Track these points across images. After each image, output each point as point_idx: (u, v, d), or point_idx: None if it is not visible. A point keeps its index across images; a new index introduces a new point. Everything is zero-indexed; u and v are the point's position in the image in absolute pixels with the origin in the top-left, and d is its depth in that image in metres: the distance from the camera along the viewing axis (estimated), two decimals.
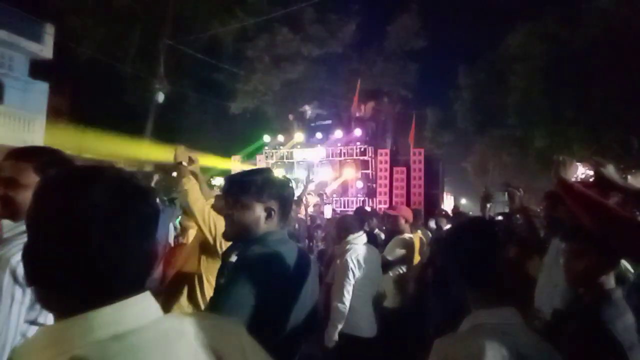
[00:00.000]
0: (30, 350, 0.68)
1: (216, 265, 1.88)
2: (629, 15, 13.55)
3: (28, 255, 0.68)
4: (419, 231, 5.12)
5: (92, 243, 0.66)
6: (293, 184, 1.88)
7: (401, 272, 4.14)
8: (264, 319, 1.44)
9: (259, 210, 1.65)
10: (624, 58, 13.39)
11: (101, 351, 0.62)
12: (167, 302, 2.61)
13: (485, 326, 1.17)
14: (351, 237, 3.51)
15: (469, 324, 1.23)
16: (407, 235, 4.27)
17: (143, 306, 0.70)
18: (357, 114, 15.10)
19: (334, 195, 13.48)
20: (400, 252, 4.13)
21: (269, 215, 1.67)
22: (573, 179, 1.59)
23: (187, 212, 2.74)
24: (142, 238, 0.72)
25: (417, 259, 4.40)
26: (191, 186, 2.57)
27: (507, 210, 4.72)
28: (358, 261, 3.37)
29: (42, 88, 14.90)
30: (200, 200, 2.55)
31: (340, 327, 3.25)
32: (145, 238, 0.73)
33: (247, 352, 0.82)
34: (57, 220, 0.67)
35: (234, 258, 1.69)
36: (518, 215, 3.99)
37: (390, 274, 4.08)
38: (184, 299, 2.60)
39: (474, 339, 1.12)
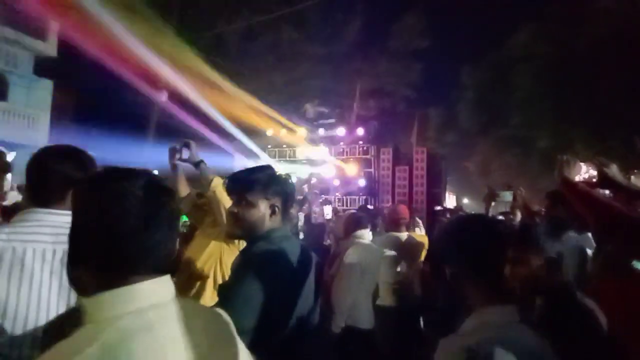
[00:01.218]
0: (96, 306, 0.80)
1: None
2: (633, 16, 13.49)
3: (76, 239, 0.83)
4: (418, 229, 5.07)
5: (135, 231, 0.81)
6: (295, 181, 1.91)
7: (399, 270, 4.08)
8: (272, 313, 1.49)
9: (264, 208, 1.68)
10: (628, 58, 13.34)
11: (143, 319, 0.78)
12: (190, 290, 2.70)
13: (490, 324, 1.18)
14: (359, 232, 3.64)
15: (474, 322, 1.22)
16: (401, 234, 4.18)
17: (169, 284, 0.87)
18: (360, 113, 15.11)
19: (336, 194, 13.49)
20: (389, 253, 4.04)
21: (273, 212, 1.70)
22: (577, 179, 1.60)
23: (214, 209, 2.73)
24: (170, 229, 0.87)
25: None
26: (222, 187, 2.56)
27: (508, 209, 4.74)
28: (364, 255, 3.48)
29: (46, 86, 14.96)
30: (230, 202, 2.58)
31: (346, 314, 3.37)
32: (172, 229, 0.88)
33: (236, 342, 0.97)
34: (109, 211, 0.81)
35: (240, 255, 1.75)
36: (512, 216, 4.03)
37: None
38: (207, 295, 2.65)
39: (482, 338, 1.12)
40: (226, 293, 1.57)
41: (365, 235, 3.68)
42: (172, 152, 2.85)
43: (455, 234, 1.38)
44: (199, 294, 2.72)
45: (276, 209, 1.71)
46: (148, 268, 0.83)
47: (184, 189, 2.97)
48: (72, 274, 0.84)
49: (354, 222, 3.75)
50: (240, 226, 1.70)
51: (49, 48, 15.05)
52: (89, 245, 0.81)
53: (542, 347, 1.17)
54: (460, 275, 1.29)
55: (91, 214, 0.82)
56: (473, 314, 1.24)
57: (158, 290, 0.84)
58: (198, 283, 2.76)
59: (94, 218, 0.81)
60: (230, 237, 2.45)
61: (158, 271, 0.84)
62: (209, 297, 2.67)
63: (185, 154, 2.80)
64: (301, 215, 6.66)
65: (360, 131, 14.13)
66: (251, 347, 1.41)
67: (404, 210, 4.37)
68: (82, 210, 0.84)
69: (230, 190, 1.77)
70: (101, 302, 0.79)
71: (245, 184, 1.70)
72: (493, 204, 3.62)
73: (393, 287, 3.99)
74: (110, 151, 14.73)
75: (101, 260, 0.80)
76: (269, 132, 14.94)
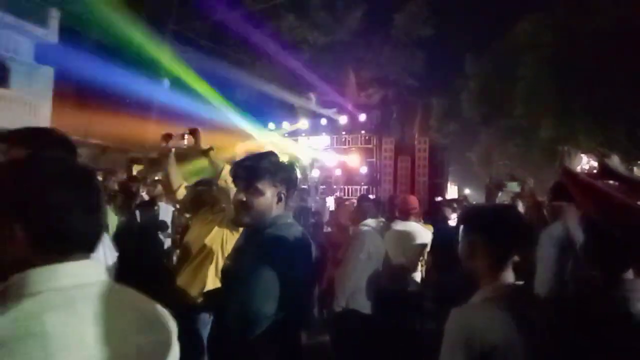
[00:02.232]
0: (18, 283, 0.80)
1: None
2: (639, 6, 13.32)
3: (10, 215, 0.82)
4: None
5: (57, 213, 0.82)
6: (298, 169, 1.93)
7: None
8: (286, 298, 1.56)
9: (271, 195, 1.71)
10: (633, 50, 13.21)
11: (64, 296, 0.79)
12: (194, 275, 2.75)
13: (496, 298, 1.35)
14: (369, 220, 3.84)
15: (482, 296, 1.40)
16: (410, 223, 4.27)
17: (96, 267, 0.90)
18: (361, 102, 15.06)
19: (339, 183, 13.51)
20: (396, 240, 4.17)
21: (279, 199, 1.73)
22: (578, 170, 1.60)
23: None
24: (94, 211, 0.88)
25: None
26: None
27: (509, 200, 4.75)
28: (371, 243, 3.65)
29: (47, 72, 14.89)
30: None
31: (347, 295, 3.50)
32: (96, 212, 0.89)
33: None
34: (35, 193, 0.82)
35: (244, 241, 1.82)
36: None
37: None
38: (209, 281, 2.70)
39: (489, 309, 1.31)
40: (240, 280, 1.60)
41: (372, 224, 3.84)
42: (166, 138, 2.81)
43: (496, 213, 1.56)
44: (200, 281, 2.75)
45: (282, 196, 1.74)
46: (71, 250, 0.84)
47: (176, 178, 2.93)
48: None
49: (362, 212, 3.96)
50: (248, 214, 1.71)
51: (50, 34, 14.95)
52: (18, 223, 0.80)
53: (545, 314, 1.36)
54: (482, 247, 1.44)
55: (17, 194, 0.82)
56: (481, 289, 1.42)
57: (83, 271, 0.85)
58: (200, 269, 2.78)
59: (19, 198, 0.82)
60: (237, 225, 2.47)
61: (83, 252, 0.87)
62: (211, 283, 2.70)
63: (175, 141, 2.74)
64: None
65: (362, 117, 14.08)
66: (267, 330, 1.51)
67: (413, 200, 4.55)
68: (11, 189, 0.83)
69: (237, 178, 1.76)
70: (23, 279, 0.79)
71: (255, 171, 1.70)
72: (500, 194, 3.63)
73: (398, 273, 4.07)
74: (112, 138, 14.73)
75: (28, 238, 0.81)
76: (271, 126, 14.92)
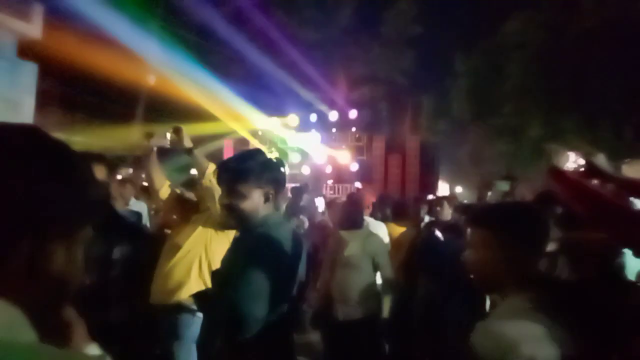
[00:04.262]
0: None
1: (220, 247, 2.12)
2: (627, 5, 13.47)
3: None
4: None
5: None
6: (286, 166, 1.92)
7: None
8: (276, 296, 1.57)
9: (258, 197, 1.67)
10: (621, 48, 13.35)
11: None
12: (177, 276, 2.71)
13: (524, 309, 1.24)
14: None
15: (509, 306, 1.30)
16: None
17: None
18: (352, 99, 15.02)
19: (329, 182, 13.45)
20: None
21: (266, 200, 1.70)
22: (565, 168, 1.59)
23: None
24: None
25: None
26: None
27: (499, 199, 4.74)
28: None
29: (31, 69, 14.62)
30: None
31: None
32: None
33: None
34: None
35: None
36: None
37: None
38: (192, 281, 2.68)
39: (519, 323, 1.20)
40: (232, 282, 1.57)
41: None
42: (147, 136, 2.76)
43: (526, 217, 1.41)
44: (182, 281, 2.71)
45: (270, 196, 1.70)
46: None
47: (159, 179, 2.87)
48: None
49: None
50: (234, 216, 1.70)
51: (33, 30, 14.66)
52: None
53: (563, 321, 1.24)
54: (511, 253, 1.33)
55: None
56: (505, 302, 1.32)
57: None
58: (182, 269, 2.74)
59: None
60: (224, 228, 2.47)
61: None
62: (194, 283, 2.67)
63: (160, 140, 2.70)
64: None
65: (352, 114, 14.04)
66: (258, 331, 1.49)
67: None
68: None
69: (221, 181, 1.72)
70: None
71: (238, 174, 1.66)
72: (489, 193, 3.63)
73: None
74: (96, 136, 14.53)
75: None
76: (259, 119, 14.82)
